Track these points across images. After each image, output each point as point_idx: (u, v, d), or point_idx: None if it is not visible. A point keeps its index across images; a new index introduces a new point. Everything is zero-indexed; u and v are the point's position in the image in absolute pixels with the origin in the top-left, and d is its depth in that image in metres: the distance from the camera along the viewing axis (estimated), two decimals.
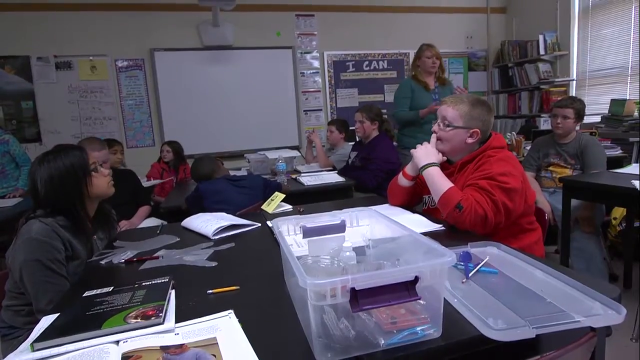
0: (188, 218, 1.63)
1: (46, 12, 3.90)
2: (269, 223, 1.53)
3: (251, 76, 4.42)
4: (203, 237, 1.46)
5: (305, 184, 2.48)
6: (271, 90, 4.49)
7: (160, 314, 0.82)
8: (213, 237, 1.43)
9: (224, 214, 1.64)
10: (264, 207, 1.79)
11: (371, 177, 2.65)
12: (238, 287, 0.98)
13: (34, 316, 1.20)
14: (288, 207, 1.79)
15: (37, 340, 0.74)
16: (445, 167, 1.49)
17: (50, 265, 1.21)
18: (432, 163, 1.43)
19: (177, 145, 3.52)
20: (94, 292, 0.98)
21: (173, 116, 4.24)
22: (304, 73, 4.64)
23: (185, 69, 4.24)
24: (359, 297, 0.63)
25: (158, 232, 1.58)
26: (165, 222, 2.11)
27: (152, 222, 2.47)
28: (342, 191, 2.50)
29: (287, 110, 4.57)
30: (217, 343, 0.74)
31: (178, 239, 1.44)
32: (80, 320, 0.82)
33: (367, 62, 4.82)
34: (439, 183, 1.37)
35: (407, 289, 0.67)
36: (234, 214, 1.67)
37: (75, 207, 1.33)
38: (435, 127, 1.49)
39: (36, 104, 3.96)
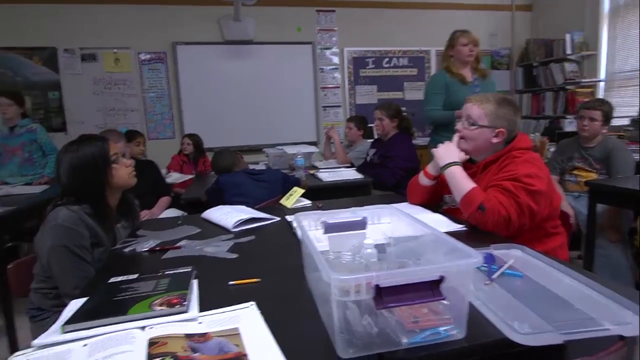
0: (208, 210, 1.65)
1: (73, 5, 3.99)
2: (288, 217, 1.53)
3: (271, 71, 4.44)
4: (223, 229, 1.48)
5: (323, 180, 2.48)
6: (290, 85, 4.50)
7: (185, 303, 0.83)
8: (233, 230, 1.44)
9: (243, 206, 1.66)
10: (282, 201, 1.80)
11: (390, 175, 2.63)
12: (259, 280, 0.99)
13: (61, 299, 1.24)
14: (307, 202, 1.80)
15: (68, 322, 0.76)
16: (468, 166, 1.47)
17: (76, 251, 1.24)
18: (454, 162, 1.41)
19: (197, 138, 3.56)
20: (119, 278, 1.01)
21: (193, 109, 4.29)
22: (323, 69, 4.63)
23: (206, 63, 4.28)
24: (383, 295, 0.63)
25: (179, 222, 1.60)
26: (185, 213, 2.15)
27: (172, 212, 2.52)
28: (360, 188, 2.49)
29: (305, 105, 4.57)
30: (239, 333, 0.74)
31: (199, 230, 1.46)
32: (107, 306, 0.84)
33: (387, 59, 4.78)
34: (462, 183, 1.35)
35: (431, 289, 0.66)
36: (252, 207, 1.69)
37: (98, 196, 1.36)
38: (459, 126, 1.46)
39: (62, 94, 4.07)
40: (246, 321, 0.79)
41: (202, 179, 2.99)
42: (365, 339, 0.67)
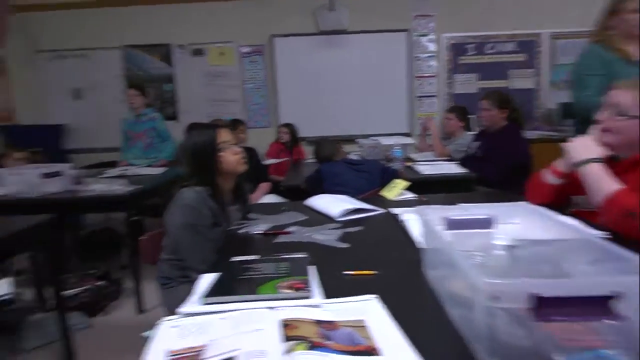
0: (312, 198, 1.68)
1: (184, 4, 4.36)
2: (393, 210, 1.49)
3: (364, 60, 4.39)
4: (327, 218, 1.49)
5: (422, 173, 2.37)
6: (383, 75, 4.41)
7: (308, 288, 0.84)
8: (338, 219, 1.44)
9: (346, 197, 1.65)
10: (384, 193, 1.75)
11: (495, 170, 2.41)
12: (376, 272, 0.97)
13: (186, 271, 1.37)
14: (411, 195, 1.73)
15: (207, 295, 0.82)
16: (609, 164, 1.26)
17: (201, 230, 1.35)
18: (593, 159, 1.23)
19: (293, 128, 3.68)
20: (239, 258, 1.07)
21: (289, 99, 4.43)
22: (418, 57, 4.44)
23: (302, 54, 4.39)
24: (545, 306, 0.56)
25: (283, 208, 1.66)
26: (285, 200, 2.23)
27: (272, 198, 2.64)
28: (461, 183, 2.33)
29: (399, 95, 4.44)
30: (366, 326, 0.73)
31: (306, 217, 1.49)
32: (238, 283, 0.89)
33: (490, 45, 4.40)
34: (603, 183, 1.17)
35: (600, 305, 0.57)
36: (353, 198, 1.68)
37: (211, 180, 1.46)
38: (602, 116, 1.26)
39: (175, 86, 4.51)
40: (371, 314, 0.77)
41: (298, 167, 3.08)
42: (512, 351, 0.61)
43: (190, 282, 1.40)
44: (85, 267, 2.66)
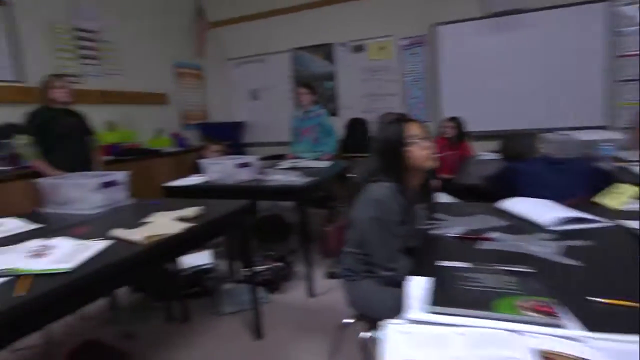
0: (509, 201, 1.48)
1: (345, 4, 4.48)
2: (626, 222, 1.19)
3: (544, 42, 3.77)
4: (533, 225, 1.28)
5: None
6: (570, 57, 3.70)
7: (558, 314, 0.70)
8: (551, 228, 1.22)
9: (551, 202, 1.40)
10: (603, 200, 1.43)
11: None
12: None
13: (371, 266, 1.35)
14: None
15: (433, 304, 0.76)
16: None
17: (388, 225, 1.32)
18: None
19: (460, 122, 3.41)
20: (448, 263, 0.98)
21: (452, 91, 4.15)
22: (621, 32, 3.57)
23: (468, 41, 4.03)
24: None
25: (473, 210, 1.50)
26: (458, 200, 2.06)
27: (444, 198, 2.47)
28: None
29: (591, 81, 3.66)
30: None
31: (508, 223, 1.32)
32: (461, 294, 0.80)
33: None
34: None
35: None
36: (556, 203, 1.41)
37: (398, 175, 1.40)
38: None
39: (335, 83, 4.71)
40: None
41: (467, 164, 2.83)
42: None
43: (374, 277, 1.40)
44: (262, 248, 2.98)
